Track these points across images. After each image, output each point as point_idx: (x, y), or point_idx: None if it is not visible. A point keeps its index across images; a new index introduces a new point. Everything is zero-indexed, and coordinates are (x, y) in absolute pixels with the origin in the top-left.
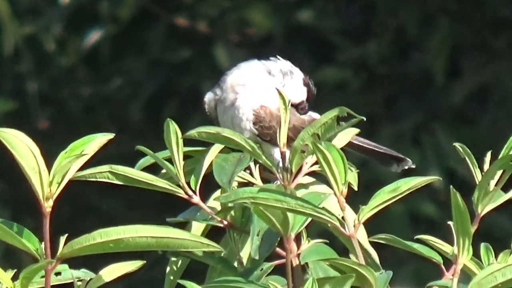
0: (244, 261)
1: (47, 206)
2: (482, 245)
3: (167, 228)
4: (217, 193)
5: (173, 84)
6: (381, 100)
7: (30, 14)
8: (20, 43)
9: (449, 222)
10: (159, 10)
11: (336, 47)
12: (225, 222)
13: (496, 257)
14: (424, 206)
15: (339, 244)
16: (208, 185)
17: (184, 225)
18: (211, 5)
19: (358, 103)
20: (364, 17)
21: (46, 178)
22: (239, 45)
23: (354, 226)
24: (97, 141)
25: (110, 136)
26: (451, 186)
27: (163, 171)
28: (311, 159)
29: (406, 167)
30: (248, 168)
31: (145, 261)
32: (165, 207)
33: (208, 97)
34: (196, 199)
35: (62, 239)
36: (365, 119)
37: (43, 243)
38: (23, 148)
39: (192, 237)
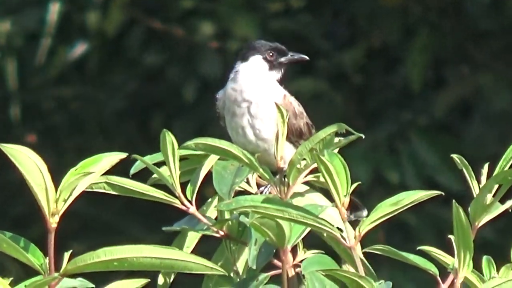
0: (240, 271)
1: (53, 222)
2: (484, 258)
3: (172, 249)
4: (212, 201)
5: (153, 91)
6: (362, 110)
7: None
8: (7, 55)
9: (450, 236)
10: (139, 14)
11: (317, 57)
12: (222, 233)
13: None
14: (404, 214)
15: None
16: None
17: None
18: (191, 12)
19: (336, 114)
20: (348, 29)
21: (53, 195)
22: (218, 49)
23: (354, 237)
24: (108, 160)
25: (122, 155)
26: (453, 201)
27: (154, 175)
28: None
29: (359, 218)
30: None
31: (149, 279)
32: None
33: (220, 95)
34: (192, 209)
35: (67, 255)
36: (363, 136)
37: (47, 258)
38: (30, 164)
39: (197, 260)
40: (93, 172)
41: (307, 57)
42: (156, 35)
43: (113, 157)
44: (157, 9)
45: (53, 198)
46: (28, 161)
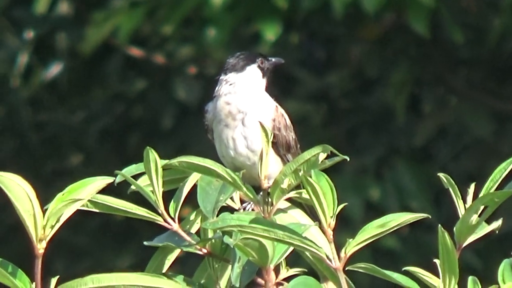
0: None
1: (40, 247)
2: (470, 278)
3: (159, 277)
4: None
5: (131, 116)
6: (342, 134)
7: None
8: None
9: (435, 260)
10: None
11: (297, 80)
12: (205, 250)
13: None
14: (385, 239)
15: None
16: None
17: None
18: (169, 38)
19: (320, 137)
20: (324, 50)
21: (41, 221)
22: (197, 77)
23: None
24: (94, 185)
25: (109, 180)
26: (439, 225)
27: (132, 187)
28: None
29: None
30: None
31: None
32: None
33: (209, 108)
34: (175, 226)
35: (54, 281)
36: (348, 159)
37: (33, 283)
38: (19, 191)
39: None
40: (81, 199)
41: (283, 60)
42: (135, 62)
43: (100, 182)
44: (136, 36)
45: (41, 224)
46: (17, 188)
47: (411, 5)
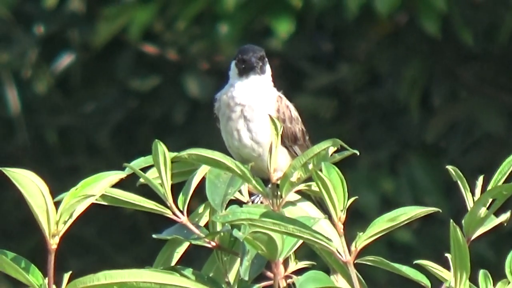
0: (231, 281)
1: (53, 243)
2: (481, 272)
3: (172, 275)
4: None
5: (142, 111)
6: (354, 128)
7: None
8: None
9: (447, 254)
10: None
11: (307, 75)
12: (213, 243)
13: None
14: (400, 233)
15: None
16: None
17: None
18: (181, 34)
19: (331, 132)
20: (334, 43)
21: (54, 217)
22: (208, 72)
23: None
24: (107, 180)
25: (121, 175)
26: (451, 220)
27: (141, 179)
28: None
29: None
30: None
31: None
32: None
33: (217, 97)
34: (184, 219)
35: (66, 276)
36: (358, 153)
37: (46, 279)
38: (32, 187)
39: (196, 286)
40: (93, 194)
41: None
42: (147, 57)
43: (112, 177)
44: (148, 32)
45: (54, 220)
46: (30, 184)
47: (423, 8)
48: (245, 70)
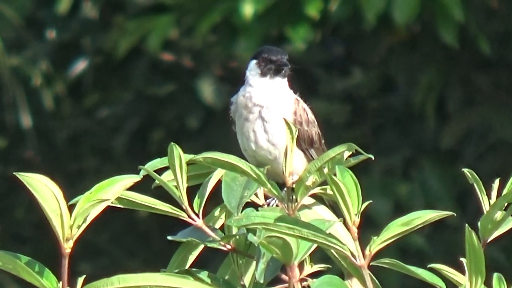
0: (247, 284)
1: (67, 247)
2: (495, 275)
3: (186, 278)
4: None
5: (157, 117)
6: (368, 133)
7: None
8: (7, 76)
9: (462, 259)
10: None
11: (321, 80)
12: (229, 246)
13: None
14: (413, 238)
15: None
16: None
17: None
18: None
19: (345, 137)
20: (347, 49)
21: (68, 221)
22: (223, 79)
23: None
24: (121, 183)
25: (136, 178)
26: (466, 225)
27: (156, 182)
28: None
29: None
30: None
31: None
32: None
33: (233, 99)
34: (199, 222)
35: (80, 280)
36: (373, 157)
37: (60, 283)
38: (46, 191)
39: None
40: (107, 199)
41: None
42: (162, 64)
43: (127, 180)
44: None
45: (67, 224)
46: (43, 188)
47: (440, 17)
48: (273, 70)
